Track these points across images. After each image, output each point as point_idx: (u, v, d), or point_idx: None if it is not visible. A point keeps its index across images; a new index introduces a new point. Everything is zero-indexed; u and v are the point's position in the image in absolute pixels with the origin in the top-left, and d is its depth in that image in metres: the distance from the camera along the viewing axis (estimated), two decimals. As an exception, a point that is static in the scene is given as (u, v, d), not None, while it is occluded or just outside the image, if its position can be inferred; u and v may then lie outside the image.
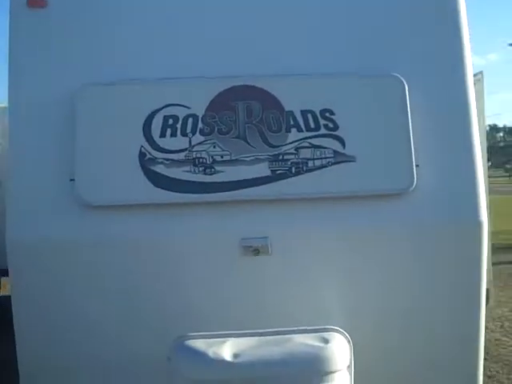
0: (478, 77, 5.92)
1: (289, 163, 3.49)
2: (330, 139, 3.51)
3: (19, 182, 3.50)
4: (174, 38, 3.63)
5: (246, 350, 3.06)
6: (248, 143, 3.50)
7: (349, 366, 3.19)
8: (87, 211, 3.44)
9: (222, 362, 2.98)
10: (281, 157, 3.49)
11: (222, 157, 3.48)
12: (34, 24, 3.61)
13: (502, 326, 7.11)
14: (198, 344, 3.11)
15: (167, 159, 3.46)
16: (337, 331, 3.25)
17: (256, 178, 3.48)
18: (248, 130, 3.51)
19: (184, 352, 3.09)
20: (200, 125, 3.49)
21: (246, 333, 3.21)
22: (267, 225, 3.50)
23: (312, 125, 3.51)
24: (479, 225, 3.50)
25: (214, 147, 3.49)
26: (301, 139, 3.51)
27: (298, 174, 3.49)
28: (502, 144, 66.22)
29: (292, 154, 3.50)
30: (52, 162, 3.50)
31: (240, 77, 3.54)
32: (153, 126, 3.48)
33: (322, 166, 3.49)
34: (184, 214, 3.49)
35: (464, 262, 3.54)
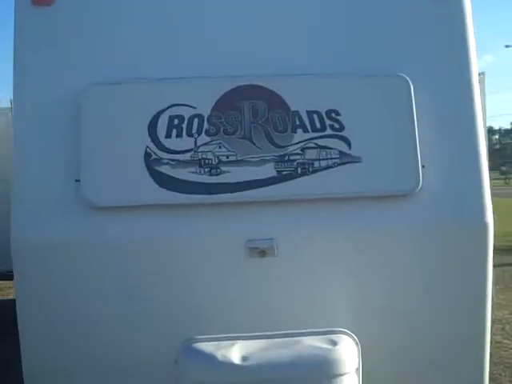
0: (480, 77, 5.91)
1: (295, 164, 3.46)
2: (336, 140, 3.49)
3: (24, 183, 3.47)
4: (179, 38, 3.60)
5: (255, 353, 3.03)
6: (254, 144, 3.48)
7: (357, 369, 3.16)
8: (92, 212, 3.41)
9: (231, 364, 2.95)
10: (287, 157, 3.47)
11: (227, 157, 3.45)
12: (39, 22, 3.58)
13: (503, 329, 7.10)
14: (206, 347, 3.08)
15: (173, 160, 3.43)
16: (345, 333, 3.22)
17: (262, 179, 3.45)
18: (254, 130, 3.48)
19: (192, 355, 3.06)
20: (206, 125, 3.46)
21: (253, 335, 3.18)
22: (273, 226, 3.48)
23: (318, 125, 3.49)
24: (485, 226, 3.48)
25: (220, 148, 3.46)
26: (307, 140, 3.49)
27: (304, 174, 3.46)
28: (497, 146, 66.39)
29: (298, 154, 3.47)
30: (57, 163, 3.47)
31: (245, 77, 3.51)
32: (158, 127, 3.45)
33: (328, 167, 3.47)
34: (190, 215, 3.46)
35: (470, 263, 3.52)
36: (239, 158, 3.45)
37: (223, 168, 3.44)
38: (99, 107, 3.48)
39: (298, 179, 3.46)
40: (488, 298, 3.54)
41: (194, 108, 3.47)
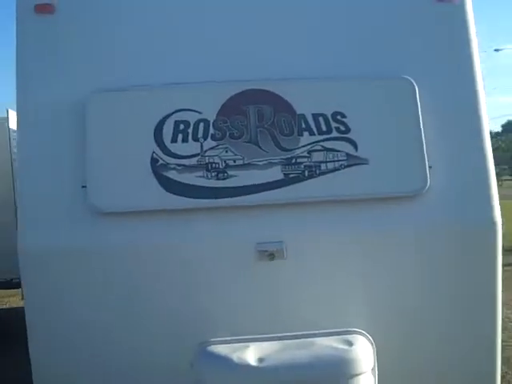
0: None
1: (302, 167, 3.46)
2: (343, 142, 3.49)
3: (29, 190, 3.45)
4: (183, 43, 3.59)
5: (271, 355, 3.02)
6: (260, 147, 3.47)
7: (373, 369, 3.15)
8: (99, 218, 3.38)
9: (247, 366, 2.94)
10: (293, 160, 3.46)
11: (234, 161, 3.44)
12: (41, 30, 3.56)
13: (505, 328, 7.07)
14: (221, 349, 3.06)
15: (179, 165, 3.42)
16: (359, 333, 3.21)
17: (269, 182, 3.44)
18: (260, 134, 3.48)
19: (207, 358, 3.04)
20: (211, 130, 3.46)
21: (268, 337, 3.16)
22: (282, 229, 3.46)
23: (324, 128, 3.49)
24: (494, 225, 3.49)
25: (226, 152, 3.45)
26: (313, 142, 3.49)
27: (311, 177, 3.46)
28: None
29: (305, 157, 3.47)
30: (63, 169, 3.45)
31: (251, 81, 3.51)
32: (164, 132, 3.44)
33: (335, 169, 3.47)
34: (198, 220, 3.44)
35: (479, 262, 3.53)
36: (246, 162, 3.45)
37: (230, 172, 3.43)
38: (104, 113, 3.47)
39: (306, 182, 3.46)
40: (498, 297, 3.54)
41: (199, 113, 3.47)
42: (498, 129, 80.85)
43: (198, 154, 3.44)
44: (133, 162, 3.43)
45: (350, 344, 3.09)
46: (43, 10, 3.54)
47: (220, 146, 3.45)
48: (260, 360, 2.97)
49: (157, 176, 3.41)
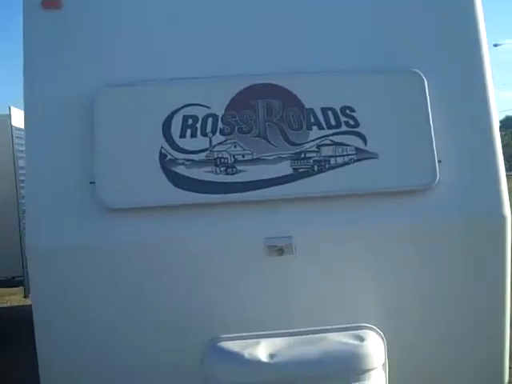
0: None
1: (311, 161, 3.44)
2: (352, 136, 3.47)
3: (37, 186, 3.42)
4: (192, 37, 3.56)
5: (282, 351, 2.99)
6: (269, 142, 3.45)
7: (383, 364, 3.13)
8: (108, 214, 3.35)
9: (258, 363, 2.92)
10: (303, 155, 3.44)
11: (243, 156, 3.42)
12: (49, 25, 3.53)
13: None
14: (232, 345, 3.03)
15: (188, 160, 3.40)
16: (370, 328, 3.19)
17: (278, 177, 3.42)
18: (269, 128, 3.46)
19: (218, 354, 3.02)
20: (220, 124, 3.43)
21: (279, 333, 3.13)
22: (291, 224, 3.44)
23: (333, 122, 3.47)
24: (503, 219, 3.48)
25: (235, 147, 3.43)
26: (322, 137, 3.47)
27: (320, 171, 3.43)
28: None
29: (314, 151, 3.45)
30: (71, 165, 3.42)
31: (259, 75, 3.49)
32: (172, 127, 3.41)
33: (345, 164, 3.45)
34: (206, 215, 3.42)
35: (488, 256, 3.51)
36: (255, 157, 3.43)
37: (239, 167, 3.41)
38: (112, 108, 3.44)
39: (315, 176, 3.43)
40: (507, 289, 3.52)
41: (208, 107, 3.44)
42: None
43: (206, 149, 3.41)
44: (141, 157, 3.40)
45: (362, 339, 3.07)
46: (50, 5, 3.51)
47: (229, 141, 3.43)
48: (271, 356, 2.95)
49: (165, 171, 3.39)
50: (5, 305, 9.61)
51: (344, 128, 3.47)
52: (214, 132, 3.43)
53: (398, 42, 3.62)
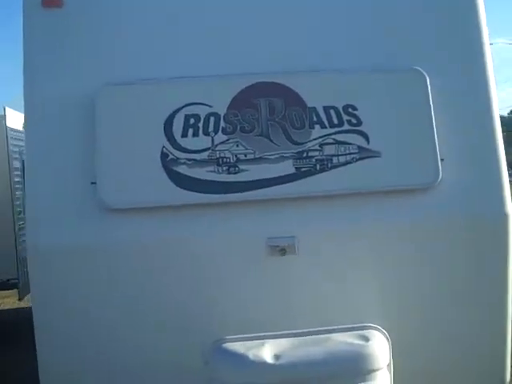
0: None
1: (313, 160, 3.42)
2: (354, 135, 3.45)
3: (38, 187, 3.38)
4: (194, 36, 3.53)
5: (287, 352, 2.97)
6: (271, 141, 3.43)
7: (388, 365, 3.11)
8: (110, 214, 3.32)
9: (263, 364, 2.89)
10: (305, 154, 3.42)
11: (245, 155, 3.40)
12: (49, 24, 3.49)
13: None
14: (236, 347, 3.01)
15: (190, 159, 3.37)
16: (375, 329, 3.17)
17: (281, 176, 3.40)
18: (271, 127, 3.43)
19: (222, 355, 2.98)
20: (222, 123, 3.41)
21: (283, 333, 3.11)
22: (293, 224, 3.42)
23: (335, 121, 3.45)
24: (506, 217, 3.47)
25: (237, 146, 3.40)
26: (324, 135, 3.44)
27: (323, 170, 3.41)
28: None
29: (316, 150, 3.43)
30: (71, 166, 3.39)
31: (261, 74, 3.47)
32: (174, 126, 3.38)
33: (347, 163, 3.43)
34: (208, 215, 3.39)
35: (490, 254, 3.50)
36: (257, 156, 3.40)
37: (241, 166, 3.38)
38: (114, 108, 3.41)
39: (317, 175, 3.41)
40: (509, 287, 3.51)
41: (210, 106, 3.42)
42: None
43: (208, 149, 3.39)
44: (143, 157, 3.37)
45: (367, 339, 3.05)
46: (51, 3, 3.48)
47: (231, 140, 3.40)
48: (276, 357, 2.92)
49: (167, 171, 3.36)
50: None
51: (346, 127, 3.45)
52: (216, 131, 3.40)
53: (400, 41, 3.60)
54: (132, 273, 3.37)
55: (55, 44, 3.49)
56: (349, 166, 3.43)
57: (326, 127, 3.45)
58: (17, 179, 7.78)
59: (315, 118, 3.45)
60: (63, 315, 3.36)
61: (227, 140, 3.40)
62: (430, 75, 3.50)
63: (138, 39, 3.52)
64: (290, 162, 3.41)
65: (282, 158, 3.41)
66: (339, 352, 2.96)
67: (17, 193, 7.74)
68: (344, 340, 3.04)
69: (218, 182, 3.37)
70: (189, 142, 3.38)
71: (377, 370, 2.99)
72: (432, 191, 3.45)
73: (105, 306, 3.36)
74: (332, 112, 3.46)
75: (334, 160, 3.42)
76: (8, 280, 7.86)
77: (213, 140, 3.40)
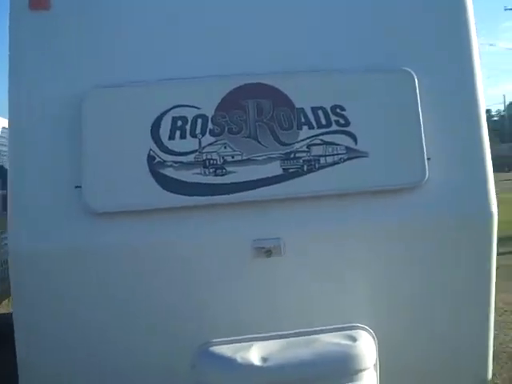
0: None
1: (301, 161, 3.42)
2: (342, 135, 3.45)
3: (22, 190, 3.37)
4: (180, 38, 3.52)
5: (274, 354, 2.98)
6: (259, 142, 3.43)
7: (375, 364, 3.13)
8: (95, 219, 3.32)
9: (251, 366, 2.89)
10: (293, 155, 3.42)
11: (233, 157, 3.40)
12: (36, 27, 3.47)
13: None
14: (224, 350, 3.01)
15: (176, 162, 3.37)
16: (362, 328, 3.19)
17: (268, 178, 3.40)
18: (259, 128, 3.43)
19: (210, 358, 2.99)
20: (210, 125, 3.40)
21: (270, 335, 3.12)
22: (280, 225, 3.43)
23: (323, 121, 3.45)
24: (491, 215, 3.49)
25: (225, 148, 3.40)
26: (312, 136, 3.45)
27: (310, 171, 3.42)
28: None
29: (304, 151, 3.43)
30: (56, 169, 3.38)
31: (249, 75, 3.46)
32: (161, 128, 3.38)
33: (335, 163, 3.43)
34: (195, 217, 3.39)
35: (476, 252, 3.53)
36: (245, 158, 3.40)
37: (229, 168, 3.39)
38: (100, 110, 3.39)
39: (305, 176, 3.42)
40: (493, 285, 3.54)
41: (197, 108, 3.41)
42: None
43: (195, 151, 3.38)
44: (129, 160, 3.36)
45: (354, 340, 3.06)
46: (38, 5, 3.45)
47: (219, 142, 3.40)
48: (264, 359, 2.93)
49: (154, 174, 3.35)
50: None
51: (334, 127, 3.46)
52: (203, 133, 3.40)
53: (388, 42, 3.59)
54: (118, 276, 3.38)
55: (42, 46, 3.47)
56: (336, 166, 3.43)
57: (313, 128, 3.45)
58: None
59: (303, 119, 3.45)
60: (50, 319, 3.36)
61: (215, 142, 3.40)
62: (418, 75, 3.49)
63: (125, 41, 3.51)
64: (278, 163, 3.41)
65: (270, 160, 3.41)
66: (326, 353, 2.97)
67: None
68: (331, 341, 3.05)
69: (205, 184, 3.37)
70: (176, 145, 3.38)
71: (364, 369, 3.00)
72: (419, 190, 3.46)
73: (91, 309, 3.36)
74: (320, 113, 3.46)
75: (322, 161, 3.43)
76: None
77: (200, 142, 3.39)
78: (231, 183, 3.38)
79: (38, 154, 3.40)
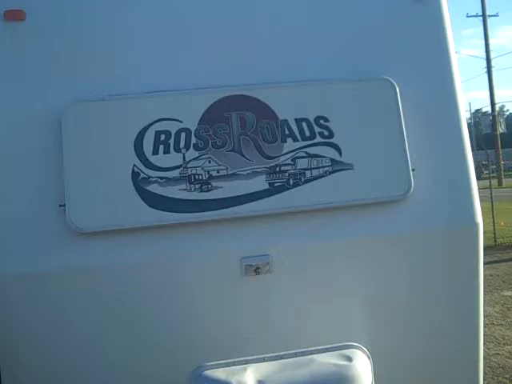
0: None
1: (286, 175, 3.37)
2: (327, 147, 3.41)
3: (3, 210, 3.20)
4: (162, 50, 3.41)
5: (270, 376, 2.90)
6: (244, 156, 3.35)
7: (372, 383, 3.10)
8: (79, 238, 3.19)
9: (248, 390, 2.82)
10: (278, 168, 3.36)
11: (218, 172, 3.31)
12: (11, 38, 3.30)
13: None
14: (218, 373, 2.92)
15: (161, 178, 3.27)
16: (357, 347, 3.15)
17: (254, 193, 3.34)
18: (243, 141, 3.36)
19: (204, 383, 2.89)
20: (193, 139, 3.31)
21: (265, 357, 3.05)
22: (267, 242, 3.37)
23: (307, 133, 3.40)
24: (476, 226, 3.50)
25: (209, 162, 3.31)
26: (297, 149, 3.40)
27: (296, 185, 3.37)
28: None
29: (289, 164, 3.38)
30: (38, 188, 3.23)
31: (232, 87, 3.38)
32: (144, 143, 3.27)
33: (320, 176, 3.39)
34: (182, 235, 3.30)
35: (462, 263, 3.54)
36: (230, 172, 3.32)
37: (214, 183, 3.30)
38: (81, 126, 3.26)
39: (291, 190, 3.37)
40: (481, 295, 3.57)
41: (180, 122, 3.31)
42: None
43: (180, 166, 3.29)
44: (113, 176, 3.25)
45: (350, 359, 3.01)
46: (13, 16, 3.28)
47: (203, 156, 3.31)
48: (260, 382, 2.86)
49: (138, 190, 3.24)
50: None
51: (318, 139, 3.41)
52: (187, 147, 3.31)
53: (370, 51, 3.57)
54: (105, 297, 3.26)
55: (18, 58, 3.31)
56: (322, 179, 3.39)
57: (298, 140, 3.40)
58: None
59: (287, 131, 3.39)
60: (27, 340, 3.23)
61: (199, 156, 3.31)
62: (399, 85, 3.48)
63: (106, 54, 3.39)
64: (263, 177, 3.35)
65: (255, 174, 3.34)
66: (323, 375, 2.92)
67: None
68: (327, 361, 3.00)
69: (191, 200, 3.28)
70: (160, 160, 3.27)
71: (360, 389, 2.97)
72: (405, 202, 3.45)
73: (73, 332, 3.24)
74: (304, 124, 3.41)
75: (307, 174, 3.38)
76: None
77: (184, 157, 3.30)
78: (217, 199, 3.30)
79: (19, 173, 3.25)
